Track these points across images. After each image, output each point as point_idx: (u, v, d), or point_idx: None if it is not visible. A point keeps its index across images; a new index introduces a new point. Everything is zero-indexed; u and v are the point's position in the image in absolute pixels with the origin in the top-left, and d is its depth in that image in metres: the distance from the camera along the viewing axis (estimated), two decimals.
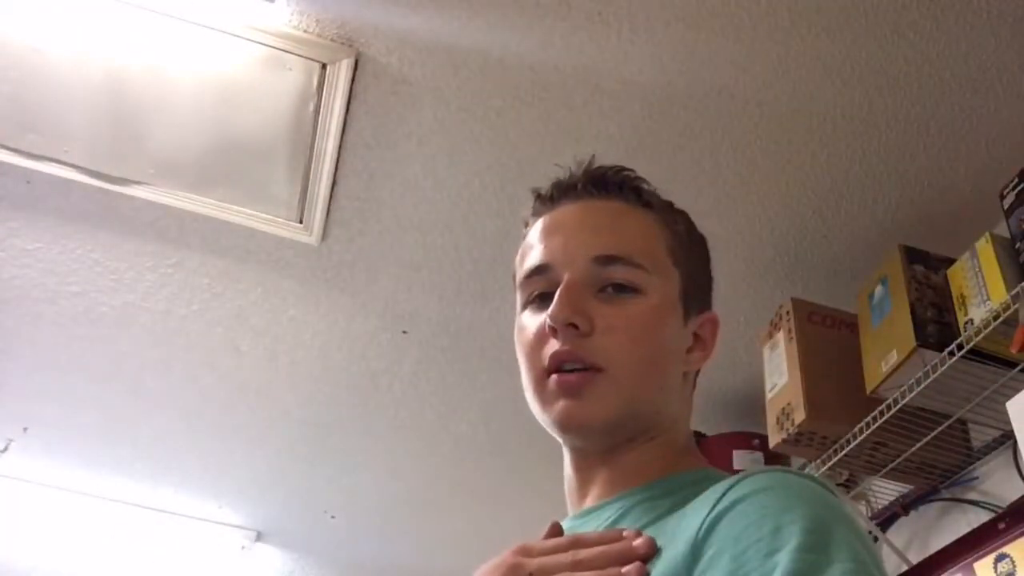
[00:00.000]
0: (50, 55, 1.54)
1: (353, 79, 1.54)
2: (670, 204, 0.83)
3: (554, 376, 0.73)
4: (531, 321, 0.77)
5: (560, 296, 0.73)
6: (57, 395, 2.29)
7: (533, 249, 0.79)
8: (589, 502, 0.76)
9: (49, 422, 2.39)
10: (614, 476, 0.75)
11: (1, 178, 1.75)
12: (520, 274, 0.80)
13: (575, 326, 0.72)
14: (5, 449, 2.47)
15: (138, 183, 1.73)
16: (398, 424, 2.32)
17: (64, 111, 1.62)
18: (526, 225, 0.83)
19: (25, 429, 2.42)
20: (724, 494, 0.61)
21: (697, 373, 0.83)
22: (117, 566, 2.96)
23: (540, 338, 0.75)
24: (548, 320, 0.72)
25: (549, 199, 0.81)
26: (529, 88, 1.55)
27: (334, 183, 1.72)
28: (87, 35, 1.51)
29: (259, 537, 2.82)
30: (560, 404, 0.72)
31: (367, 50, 1.51)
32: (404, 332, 2.05)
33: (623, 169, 0.81)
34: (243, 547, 2.81)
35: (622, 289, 0.75)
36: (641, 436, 0.75)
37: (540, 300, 0.76)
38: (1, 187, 1.77)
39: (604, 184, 0.80)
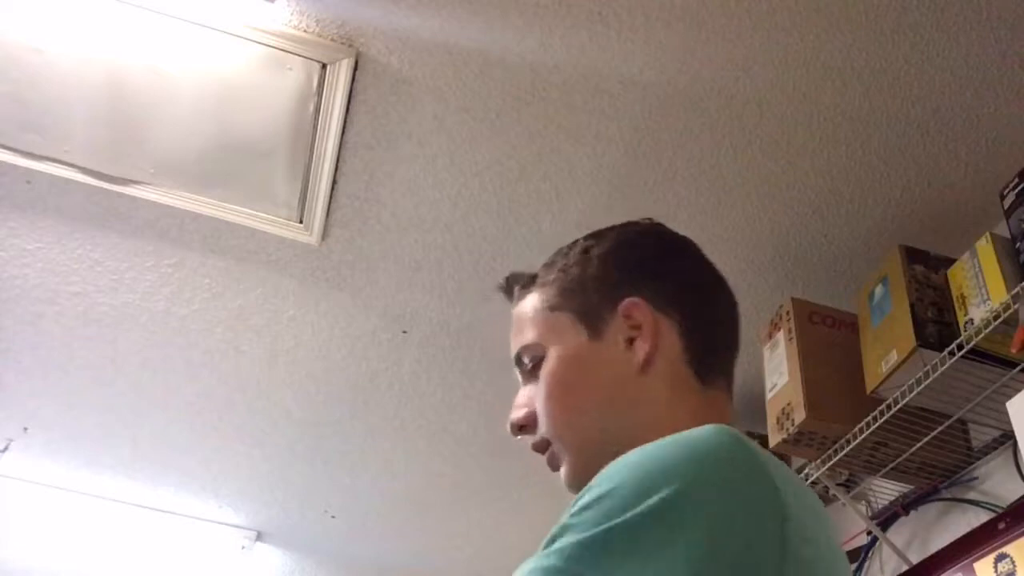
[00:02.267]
0: (50, 55, 1.54)
1: (353, 79, 1.54)
2: (558, 254, 0.90)
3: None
4: None
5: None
6: (57, 395, 2.29)
7: None
8: None
9: (49, 422, 2.39)
10: None
11: (1, 178, 1.75)
12: None
13: (520, 426, 0.83)
14: (5, 449, 2.47)
15: (138, 183, 1.73)
16: (398, 424, 2.32)
17: (64, 111, 1.62)
18: None
19: (25, 429, 2.42)
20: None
21: (688, 348, 0.84)
22: (117, 566, 2.96)
23: None
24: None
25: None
26: (529, 88, 1.55)
27: (334, 183, 1.72)
28: (87, 35, 1.51)
29: (259, 537, 2.82)
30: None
31: (367, 50, 1.51)
32: (404, 332, 2.05)
33: (512, 274, 0.92)
34: (243, 547, 2.81)
35: (536, 366, 0.84)
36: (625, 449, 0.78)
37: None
38: (1, 187, 1.77)
39: (508, 294, 0.92)
